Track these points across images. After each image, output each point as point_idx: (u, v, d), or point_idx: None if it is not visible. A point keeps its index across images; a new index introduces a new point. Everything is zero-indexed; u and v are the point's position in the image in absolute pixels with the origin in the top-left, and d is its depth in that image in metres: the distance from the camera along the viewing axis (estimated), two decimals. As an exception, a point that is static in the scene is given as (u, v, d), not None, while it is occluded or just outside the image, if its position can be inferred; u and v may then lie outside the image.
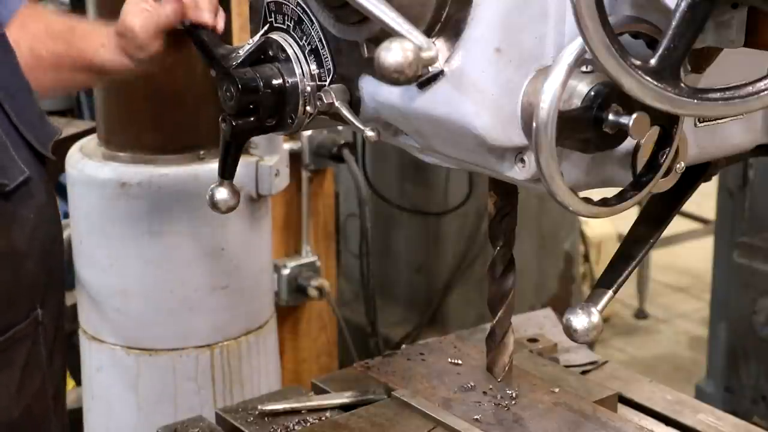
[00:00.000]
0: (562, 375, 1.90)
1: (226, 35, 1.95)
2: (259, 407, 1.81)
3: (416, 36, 1.24)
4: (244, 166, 2.51)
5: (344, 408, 1.81)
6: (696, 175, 1.51)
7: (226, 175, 1.66)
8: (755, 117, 1.48)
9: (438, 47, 1.26)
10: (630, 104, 1.21)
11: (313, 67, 1.50)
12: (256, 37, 1.56)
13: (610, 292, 1.47)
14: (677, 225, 5.70)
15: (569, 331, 1.38)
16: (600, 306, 1.41)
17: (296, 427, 1.77)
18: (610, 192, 1.34)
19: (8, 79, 1.80)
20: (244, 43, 1.58)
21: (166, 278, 2.49)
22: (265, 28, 1.56)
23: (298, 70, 1.50)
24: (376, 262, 3.95)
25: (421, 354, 1.93)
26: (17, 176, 1.76)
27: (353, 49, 1.40)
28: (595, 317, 1.38)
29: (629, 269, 1.51)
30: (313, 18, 1.47)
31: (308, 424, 1.78)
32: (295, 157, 3.10)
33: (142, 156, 2.51)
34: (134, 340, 2.53)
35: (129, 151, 2.52)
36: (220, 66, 1.55)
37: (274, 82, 1.50)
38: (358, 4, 1.29)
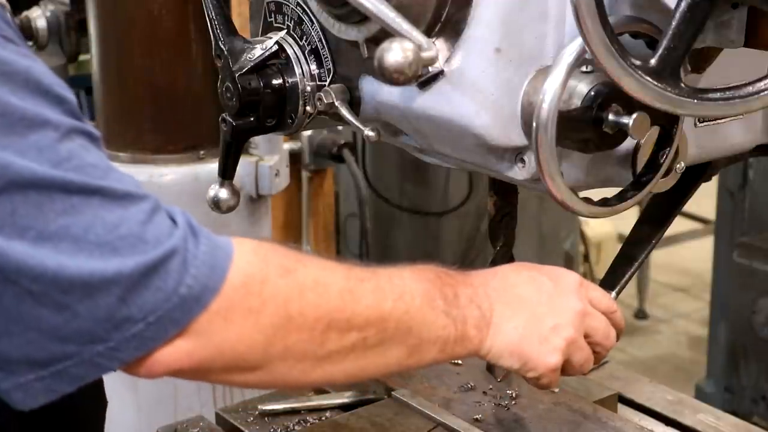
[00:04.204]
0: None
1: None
2: (259, 407, 1.81)
3: (416, 36, 1.24)
4: (244, 166, 2.51)
5: (344, 408, 1.81)
6: (696, 175, 1.51)
7: (226, 175, 1.65)
8: (755, 117, 1.48)
9: (438, 47, 1.26)
10: (630, 104, 1.21)
11: (313, 67, 1.49)
12: (271, 43, 1.52)
13: (613, 294, 1.48)
14: (677, 225, 5.66)
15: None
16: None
17: (296, 427, 1.77)
18: (610, 192, 1.34)
19: None
20: (256, 39, 1.54)
21: (166, 278, 2.49)
22: (281, 32, 1.52)
23: (298, 70, 1.50)
24: (376, 262, 3.94)
25: (421, 354, 1.93)
26: None
27: (353, 49, 1.40)
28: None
29: (631, 270, 1.52)
30: (313, 18, 1.47)
31: (308, 424, 1.77)
32: (295, 157, 3.10)
33: (142, 156, 2.51)
34: (134, 340, 2.52)
35: (129, 151, 2.52)
36: (225, 61, 1.51)
37: (274, 82, 1.50)
38: (358, 3, 1.28)
